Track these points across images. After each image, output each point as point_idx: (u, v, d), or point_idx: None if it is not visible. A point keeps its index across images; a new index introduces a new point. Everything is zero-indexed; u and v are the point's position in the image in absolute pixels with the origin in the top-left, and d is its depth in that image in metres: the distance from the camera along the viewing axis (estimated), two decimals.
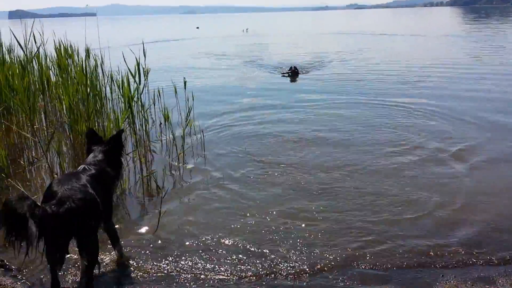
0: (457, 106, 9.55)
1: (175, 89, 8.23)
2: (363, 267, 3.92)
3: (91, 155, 3.90)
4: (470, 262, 3.95)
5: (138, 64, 5.94)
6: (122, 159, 4.21)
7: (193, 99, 7.53)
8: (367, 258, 4.04)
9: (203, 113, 9.11)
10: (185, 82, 8.03)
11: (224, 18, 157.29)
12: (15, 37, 5.98)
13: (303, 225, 4.67)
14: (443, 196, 5.28)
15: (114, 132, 4.88)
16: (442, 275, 3.75)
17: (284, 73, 14.82)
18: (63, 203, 3.02)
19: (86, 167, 3.67)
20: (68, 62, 7.32)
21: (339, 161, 6.51)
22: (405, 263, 3.94)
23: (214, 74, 15.54)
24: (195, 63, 18.90)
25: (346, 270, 3.87)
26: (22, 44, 7.29)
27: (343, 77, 14.04)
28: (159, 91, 8.23)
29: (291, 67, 14.85)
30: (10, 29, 6.06)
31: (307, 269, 3.89)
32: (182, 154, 6.63)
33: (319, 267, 3.92)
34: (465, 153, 6.67)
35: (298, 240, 4.36)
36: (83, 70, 5.70)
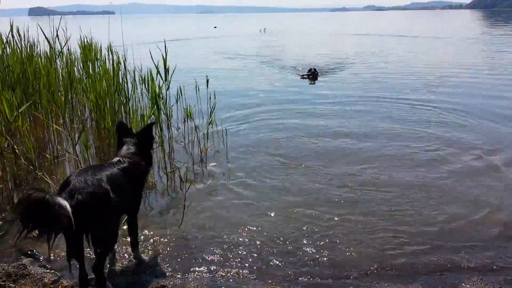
0: (489, 108, 9.45)
1: (197, 87, 8.30)
2: (387, 266, 3.90)
3: (125, 147, 3.89)
4: (499, 267, 3.89)
5: (164, 61, 6.00)
6: (152, 152, 4.22)
7: (215, 97, 7.60)
8: (392, 258, 4.03)
9: (222, 111, 9.15)
10: (207, 81, 8.10)
11: (241, 18, 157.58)
12: (44, 34, 6.10)
13: (326, 224, 4.66)
14: (476, 204, 5.14)
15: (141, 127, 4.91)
16: (469, 277, 3.72)
17: (303, 75, 14.49)
18: (72, 196, 2.98)
19: (120, 159, 3.70)
20: (94, 58, 7.41)
21: (366, 161, 6.47)
22: (431, 265, 3.92)
23: (232, 74, 15.52)
24: (213, 62, 18.98)
25: (370, 269, 3.86)
26: (46, 41, 7.44)
27: (366, 79, 13.82)
28: (180, 89, 8.29)
29: (310, 69, 14.48)
30: (39, 26, 6.18)
31: (330, 268, 3.90)
32: (205, 151, 6.70)
33: (342, 266, 3.93)
34: (504, 161, 6.43)
35: (322, 239, 4.36)
36: (110, 65, 5.80)
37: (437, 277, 3.75)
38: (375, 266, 3.91)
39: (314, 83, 13.64)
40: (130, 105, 6.57)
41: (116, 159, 3.73)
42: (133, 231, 3.91)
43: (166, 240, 4.38)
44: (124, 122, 4.20)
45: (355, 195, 5.37)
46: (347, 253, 4.11)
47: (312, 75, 14.20)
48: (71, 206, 2.91)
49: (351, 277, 3.76)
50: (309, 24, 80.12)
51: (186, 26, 74.13)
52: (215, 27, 61.55)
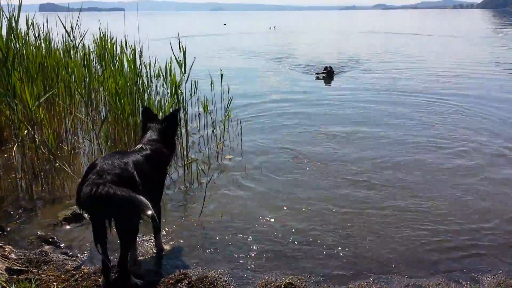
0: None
1: (212, 82, 8.34)
2: (407, 260, 3.89)
3: (148, 133, 3.90)
4: None
5: (184, 53, 6.06)
6: (176, 139, 4.21)
7: (228, 92, 7.65)
8: (411, 251, 4.02)
9: (236, 106, 9.15)
10: (221, 75, 8.14)
11: (250, 16, 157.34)
12: (64, 28, 6.17)
13: (344, 217, 4.66)
14: (499, 198, 5.11)
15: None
16: (490, 270, 3.70)
17: (319, 73, 13.97)
18: (100, 177, 3.02)
19: (143, 146, 3.71)
20: (113, 51, 7.49)
21: (384, 157, 6.44)
22: (452, 259, 3.90)
23: (243, 72, 15.13)
24: (224, 59, 18.91)
25: (390, 262, 3.86)
26: (62, 35, 7.55)
27: (384, 78, 13.39)
28: (195, 83, 8.32)
29: (326, 67, 13.94)
30: (60, 20, 6.23)
31: (349, 259, 3.90)
32: (221, 144, 6.75)
33: (361, 258, 3.92)
34: None
35: (339, 232, 4.36)
36: (131, 57, 5.87)
37: (458, 270, 3.73)
38: (395, 259, 3.90)
39: (330, 83, 13.13)
40: (146, 98, 6.62)
41: (139, 146, 3.75)
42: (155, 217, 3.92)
43: (185, 230, 4.41)
44: (150, 107, 4.21)
45: (374, 190, 5.35)
46: (366, 246, 4.10)
47: (328, 73, 13.66)
48: (98, 187, 2.95)
49: (371, 269, 3.75)
50: (318, 22, 79.93)
51: (196, 23, 74.21)
52: (225, 24, 61.78)
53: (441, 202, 5.00)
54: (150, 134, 3.90)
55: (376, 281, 3.55)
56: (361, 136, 7.40)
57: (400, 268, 3.76)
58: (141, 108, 5.64)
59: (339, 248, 4.07)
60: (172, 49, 6.08)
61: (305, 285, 3.46)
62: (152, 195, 3.77)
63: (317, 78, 13.78)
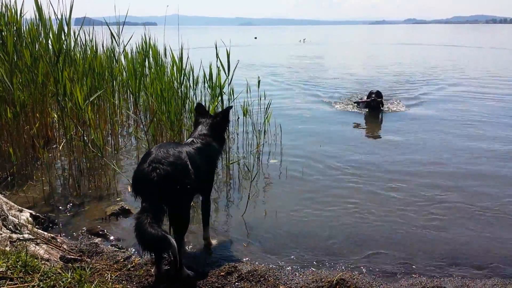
0: None
1: (248, 87, 8.42)
2: (461, 260, 3.81)
3: (199, 127, 3.98)
4: None
5: (228, 56, 6.17)
6: (225, 136, 4.28)
7: (265, 98, 7.72)
8: (464, 252, 3.95)
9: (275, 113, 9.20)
10: (258, 82, 8.19)
11: (280, 30, 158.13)
12: (112, 34, 6.40)
13: (393, 220, 4.61)
14: None
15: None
16: None
17: (358, 102, 10.04)
18: (155, 168, 3.07)
19: (194, 140, 3.78)
20: (157, 55, 7.68)
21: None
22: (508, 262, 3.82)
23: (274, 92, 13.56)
24: (255, 71, 18.84)
25: (442, 262, 3.78)
26: (102, 45, 7.85)
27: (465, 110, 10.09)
28: (232, 90, 8.40)
29: (371, 93, 9.68)
30: (110, 29, 6.44)
31: (399, 259, 3.84)
32: (261, 145, 6.86)
33: (412, 257, 3.87)
34: None
35: (390, 234, 4.33)
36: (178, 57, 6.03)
37: None
38: (448, 260, 3.84)
39: (378, 121, 9.20)
40: (191, 96, 6.81)
41: (190, 139, 3.82)
42: (205, 211, 3.98)
43: (231, 227, 4.48)
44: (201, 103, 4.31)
45: (412, 190, 5.35)
46: (416, 247, 4.05)
47: (374, 102, 9.43)
48: (152, 176, 3.04)
49: (423, 269, 3.68)
50: (351, 35, 79.71)
51: (227, 36, 75.02)
52: (256, 37, 62.37)
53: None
54: (201, 129, 3.97)
55: (429, 281, 3.47)
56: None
57: (453, 269, 3.67)
58: (193, 105, 5.76)
59: (389, 247, 4.03)
60: (217, 55, 6.19)
61: (356, 281, 3.41)
62: (203, 187, 3.83)
63: (357, 106, 10.15)
